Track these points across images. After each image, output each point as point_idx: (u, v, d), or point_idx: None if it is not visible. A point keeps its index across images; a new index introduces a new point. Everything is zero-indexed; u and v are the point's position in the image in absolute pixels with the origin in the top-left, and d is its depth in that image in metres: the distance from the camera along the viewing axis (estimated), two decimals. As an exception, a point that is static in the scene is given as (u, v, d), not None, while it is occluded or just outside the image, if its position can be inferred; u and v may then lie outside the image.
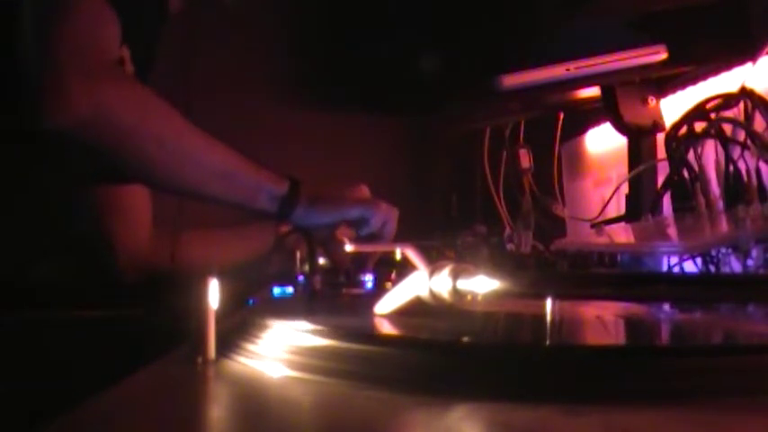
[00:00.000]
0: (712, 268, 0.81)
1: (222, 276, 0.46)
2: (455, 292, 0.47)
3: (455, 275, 0.47)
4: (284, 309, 0.64)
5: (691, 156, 0.87)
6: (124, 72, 0.84)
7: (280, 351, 0.43)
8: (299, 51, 1.70)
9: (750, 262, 0.75)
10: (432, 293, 0.48)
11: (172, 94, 1.23)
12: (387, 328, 0.49)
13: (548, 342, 0.45)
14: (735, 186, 0.83)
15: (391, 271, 0.77)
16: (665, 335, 0.55)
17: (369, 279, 0.79)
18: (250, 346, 0.45)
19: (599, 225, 1.10)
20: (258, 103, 1.66)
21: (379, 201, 0.96)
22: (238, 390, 0.40)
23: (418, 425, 0.33)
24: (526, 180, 1.35)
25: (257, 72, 1.67)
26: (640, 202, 1.06)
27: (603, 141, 1.36)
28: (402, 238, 0.69)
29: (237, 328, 0.49)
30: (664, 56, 1.07)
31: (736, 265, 0.78)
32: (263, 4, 1.67)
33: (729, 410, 0.33)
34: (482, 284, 0.46)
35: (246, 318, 0.50)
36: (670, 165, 0.89)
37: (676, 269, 0.87)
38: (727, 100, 0.87)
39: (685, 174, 0.87)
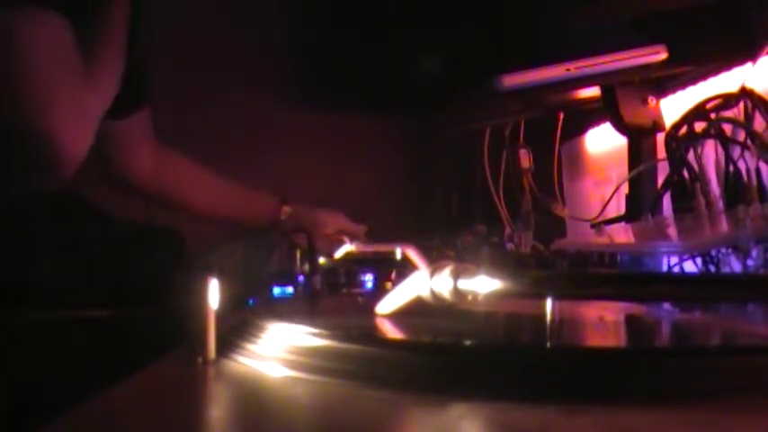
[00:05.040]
0: (712, 268, 0.81)
1: (221, 271, 0.46)
2: (456, 292, 0.47)
3: (456, 275, 0.47)
4: (284, 309, 0.64)
5: (691, 156, 0.87)
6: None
7: (279, 351, 0.43)
8: (299, 52, 1.70)
9: (750, 262, 0.75)
10: (433, 293, 0.48)
11: (173, 95, 1.23)
12: (387, 328, 0.49)
13: (548, 342, 0.45)
14: (735, 186, 0.83)
15: (391, 271, 0.77)
16: (665, 335, 0.55)
17: (369, 279, 0.79)
18: (250, 346, 0.45)
19: (599, 225, 1.10)
20: (259, 104, 1.66)
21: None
22: (238, 390, 0.40)
23: (418, 425, 0.33)
24: (526, 180, 1.35)
25: (258, 72, 1.67)
26: (640, 202, 1.06)
27: (603, 141, 1.35)
28: (402, 238, 0.69)
29: (237, 328, 0.49)
30: (664, 56, 1.06)
31: (736, 265, 0.78)
32: (265, 3, 1.67)
33: (729, 410, 0.33)
34: (483, 284, 0.46)
35: (246, 318, 0.50)
36: (670, 165, 0.89)
37: (676, 269, 0.87)
38: (727, 100, 0.87)
39: (685, 174, 0.87)
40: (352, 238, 1.06)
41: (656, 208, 0.92)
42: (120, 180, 1.17)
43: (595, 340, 0.51)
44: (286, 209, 1.22)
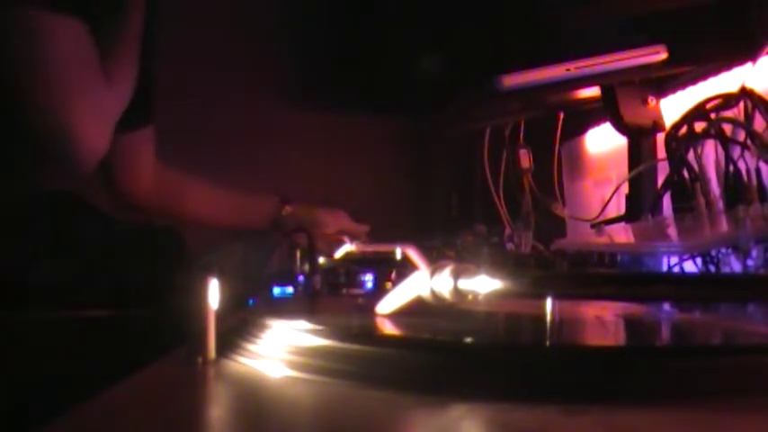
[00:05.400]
0: (712, 268, 0.81)
1: (221, 271, 0.46)
2: (456, 291, 0.47)
3: (456, 275, 0.47)
4: (284, 309, 0.64)
5: (691, 156, 0.87)
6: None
7: (280, 351, 0.43)
8: (299, 52, 1.70)
9: (750, 262, 0.75)
10: (433, 293, 0.48)
11: (173, 95, 1.24)
12: (387, 327, 0.49)
13: (548, 342, 0.45)
14: (735, 186, 0.83)
15: (391, 271, 0.77)
16: (664, 335, 0.55)
17: (369, 279, 0.79)
18: (250, 346, 0.45)
19: (599, 225, 1.10)
20: (259, 104, 1.66)
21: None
22: (238, 390, 0.40)
23: (418, 424, 0.33)
24: (526, 180, 1.35)
25: (258, 72, 1.67)
26: (640, 202, 1.06)
27: (603, 141, 1.36)
28: (402, 238, 0.69)
29: (237, 328, 0.49)
30: (664, 56, 1.07)
31: (736, 265, 0.78)
32: (265, 3, 1.67)
33: (729, 410, 0.33)
34: (483, 284, 0.46)
35: (246, 318, 0.50)
36: (670, 165, 0.89)
37: (676, 269, 0.87)
38: (727, 100, 0.87)
39: (685, 174, 0.87)
40: (354, 238, 1.05)
41: (656, 208, 0.92)
42: (121, 196, 1.17)
43: (595, 340, 0.51)
44: (287, 208, 1.22)
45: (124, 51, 0.98)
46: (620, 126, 1.11)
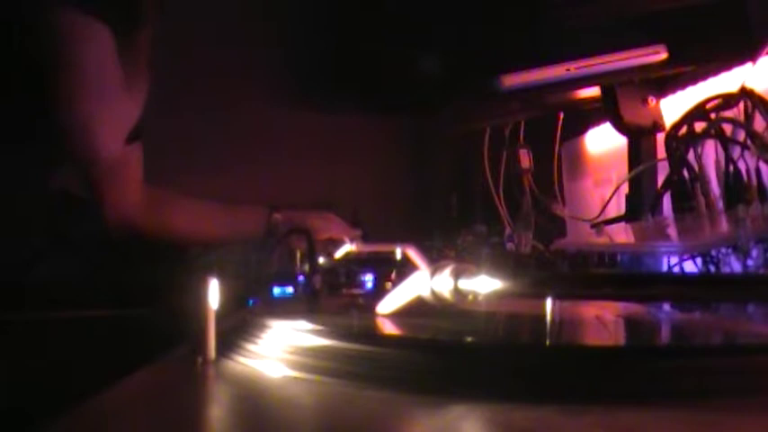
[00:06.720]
0: (712, 268, 0.81)
1: (219, 272, 0.46)
2: (456, 291, 0.47)
3: (456, 275, 0.47)
4: (284, 309, 0.64)
5: (691, 156, 0.87)
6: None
7: (280, 351, 0.43)
8: (299, 51, 1.70)
9: (750, 262, 0.75)
10: (433, 293, 0.48)
11: (172, 96, 1.24)
12: (387, 327, 0.49)
13: (548, 342, 0.46)
14: (735, 186, 0.83)
15: (391, 271, 0.77)
16: (664, 335, 0.55)
17: (369, 279, 0.79)
18: (250, 346, 0.45)
19: (599, 225, 1.10)
20: (258, 104, 1.66)
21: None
22: (238, 390, 0.40)
23: (418, 424, 0.33)
24: (526, 180, 1.35)
25: (257, 72, 1.67)
26: (640, 202, 1.06)
27: (603, 141, 1.35)
28: (402, 238, 0.69)
29: (237, 328, 0.49)
30: (664, 56, 1.06)
31: (736, 265, 0.78)
32: (265, 3, 1.67)
33: (729, 410, 0.33)
34: (483, 284, 0.46)
35: (246, 318, 0.50)
36: (670, 165, 0.89)
37: (676, 269, 0.87)
38: (727, 100, 0.87)
39: (685, 174, 0.87)
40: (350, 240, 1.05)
41: (656, 208, 0.92)
42: (110, 213, 1.13)
43: (595, 340, 0.51)
44: (277, 216, 1.20)
45: (139, 62, 1.00)
46: (620, 126, 1.11)
